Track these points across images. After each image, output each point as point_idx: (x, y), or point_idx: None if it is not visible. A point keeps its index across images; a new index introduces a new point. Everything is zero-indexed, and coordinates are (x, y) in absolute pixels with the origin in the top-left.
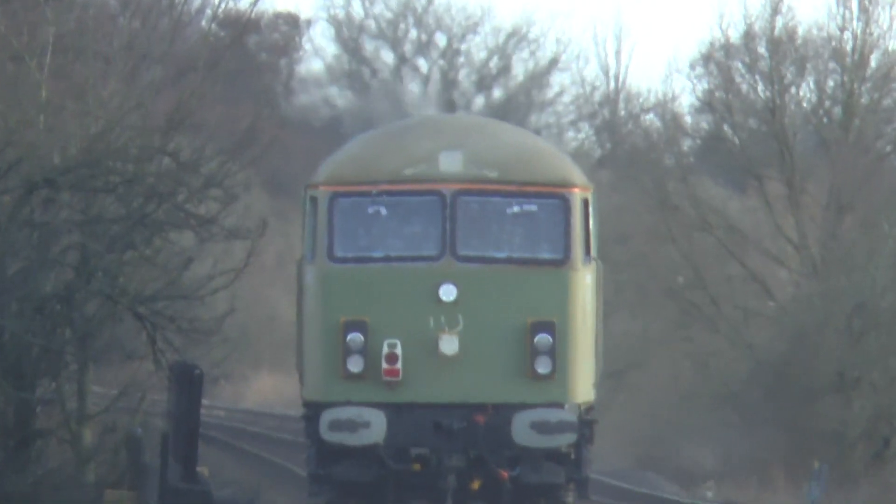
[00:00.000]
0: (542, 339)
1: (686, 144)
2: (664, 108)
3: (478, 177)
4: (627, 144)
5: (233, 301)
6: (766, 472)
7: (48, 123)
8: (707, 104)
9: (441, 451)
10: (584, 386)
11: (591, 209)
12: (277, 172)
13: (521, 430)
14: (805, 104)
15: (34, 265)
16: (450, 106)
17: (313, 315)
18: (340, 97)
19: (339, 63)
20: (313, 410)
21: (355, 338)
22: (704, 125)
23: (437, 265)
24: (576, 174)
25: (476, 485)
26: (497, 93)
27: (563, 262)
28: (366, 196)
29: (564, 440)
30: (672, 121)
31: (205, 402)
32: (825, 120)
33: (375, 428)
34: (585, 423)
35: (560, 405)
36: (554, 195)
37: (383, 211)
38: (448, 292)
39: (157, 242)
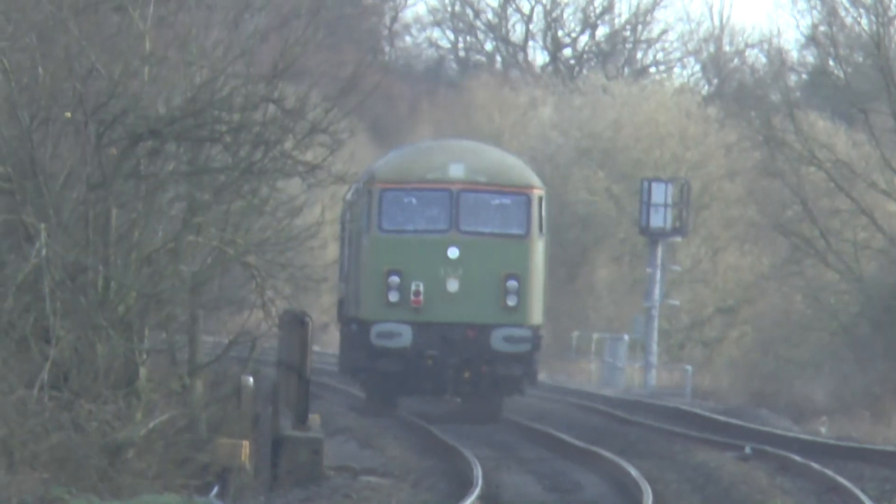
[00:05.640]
0: (512, 284)
1: (792, 79)
2: (769, 43)
3: (473, 180)
4: (734, 80)
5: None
6: (879, 406)
7: (152, 74)
8: (811, 38)
9: (445, 353)
10: (536, 314)
11: (543, 203)
12: (381, 118)
13: (497, 341)
14: None
15: (141, 217)
16: (555, 44)
17: (367, 265)
18: (444, 39)
19: (443, 4)
20: (366, 326)
21: (394, 279)
22: (810, 59)
23: (446, 235)
24: (535, 180)
25: (466, 375)
26: (601, 31)
27: (525, 236)
28: (402, 191)
29: (523, 348)
30: (777, 56)
31: (315, 348)
32: None
33: (405, 337)
34: (536, 338)
35: (521, 326)
36: (521, 193)
37: (413, 200)
38: (453, 252)
39: (264, 190)
